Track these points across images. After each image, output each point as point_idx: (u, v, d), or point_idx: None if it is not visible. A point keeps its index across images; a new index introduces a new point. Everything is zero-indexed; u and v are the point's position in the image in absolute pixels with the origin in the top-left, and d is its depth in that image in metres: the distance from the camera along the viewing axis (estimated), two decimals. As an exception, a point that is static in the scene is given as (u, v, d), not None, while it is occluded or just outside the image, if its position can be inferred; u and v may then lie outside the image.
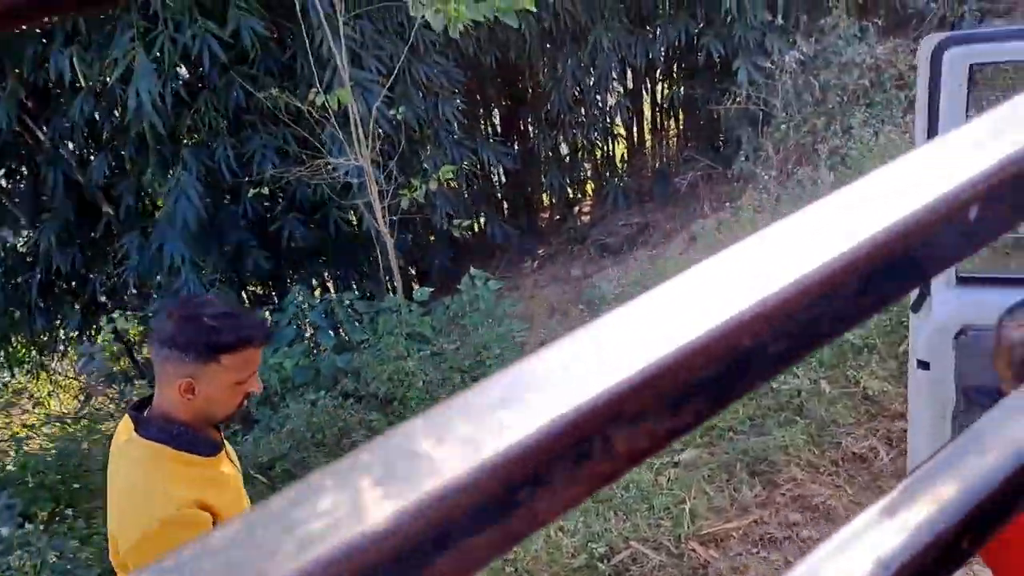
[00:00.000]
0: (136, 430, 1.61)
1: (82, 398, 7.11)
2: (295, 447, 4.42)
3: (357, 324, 5.69)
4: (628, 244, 7.48)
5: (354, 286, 7.38)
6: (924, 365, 2.06)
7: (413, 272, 7.63)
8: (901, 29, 6.61)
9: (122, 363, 8.09)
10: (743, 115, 5.83)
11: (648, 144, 8.19)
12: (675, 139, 8.02)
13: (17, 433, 6.43)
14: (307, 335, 5.60)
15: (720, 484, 3.33)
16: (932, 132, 1.91)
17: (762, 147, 5.55)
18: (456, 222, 5.62)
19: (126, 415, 1.66)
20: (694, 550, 3.07)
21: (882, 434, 3.35)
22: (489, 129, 7.88)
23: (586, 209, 8.61)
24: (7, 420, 8.06)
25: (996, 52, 1.85)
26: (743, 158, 5.69)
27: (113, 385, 7.38)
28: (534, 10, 4.14)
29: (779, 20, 5.81)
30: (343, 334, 5.65)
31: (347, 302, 5.82)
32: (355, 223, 6.15)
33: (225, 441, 1.77)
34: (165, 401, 1.60)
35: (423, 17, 4.06)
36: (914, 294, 2.04)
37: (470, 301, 5.41)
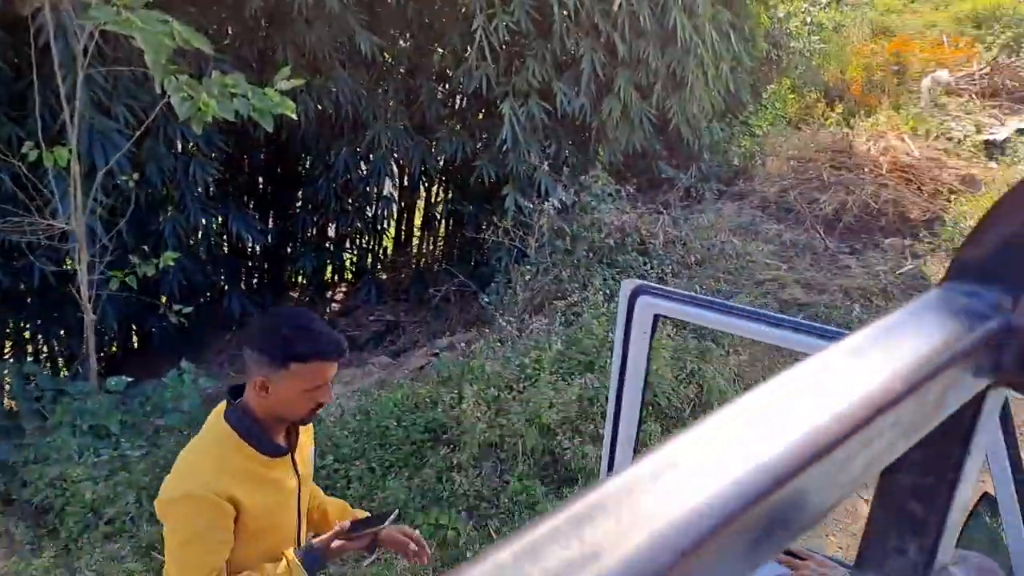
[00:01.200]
0: (225, 410, 1.81)
1: None
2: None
3: (36, 402, 4.92)
4: (375, 341, 7.28)
5: (52, 350, 6.49)
6: None
7: (123, 345, 6.83)
8: (653, 191, 7.18)
9: None
10: (502, 246, 5.93)
11: (413, 246, 8.14)
12: (439, 248, 8.04)
13: None
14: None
15: (391, 664, 3.13)
16: (623, 365, 1.97)
17: (513, 283, 5.65)
18: (176, 307, 5.10)
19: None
20: None
21: None
22: (246, 201, 7.42)
23: (339, 297, 8.34)
24: None
25: (678, 311, 1.94)
26: (495, 290, 5.76)
27: None
28: (295, 117, 3.91)
29: (546, 166, 6.04)
30: (14, 413, 4.85)
31: (27, 373, 5.03)
32: (66, 276, 5.41)
33: (300, 453, 1.91)
34: (247, 395, 1.78)
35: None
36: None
37: (173, 398, 4.88)
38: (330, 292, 8.40)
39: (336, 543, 1.86)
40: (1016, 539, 1.59)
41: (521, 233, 5.93)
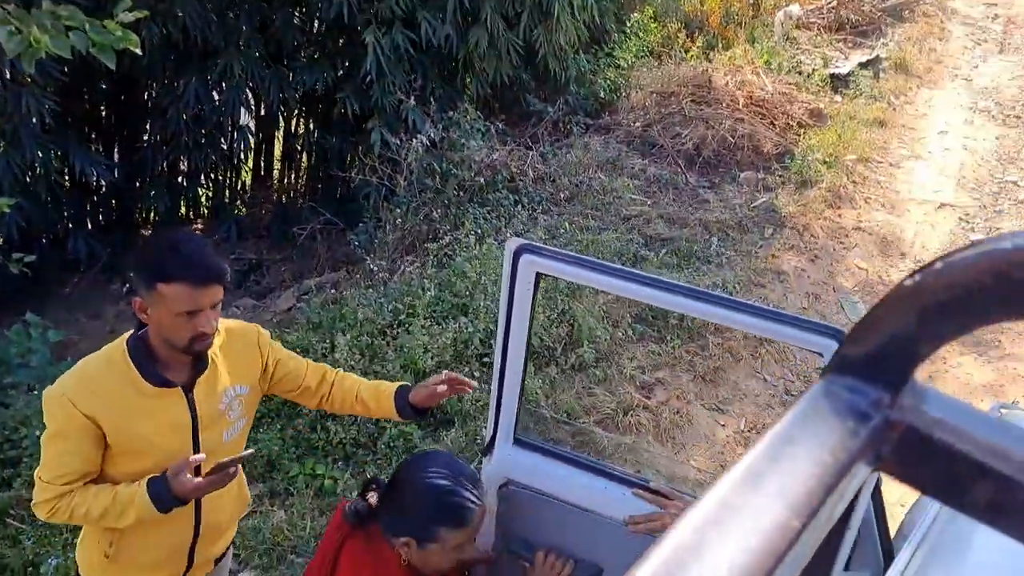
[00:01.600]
0: (131, 333, 1.89)
1: None
2: None
3: None
4: (237, 281, 6.99)
5: None
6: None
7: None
8: (521, 125, 7.16)
9: None
10: (370, 183, 5.78)
11: (274, 181, 7.79)
12: (302, 184, 7.74)
13: None
14: None
15: (272, 618, 3.13)
16: (508, 320, 2.02)
17: (383, 222, 5.54)
18: (16, 256, 4.67)
19: None
20: None
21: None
22: (89, 134, 6.84)
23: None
24: None
25: (558, 270, 1.99)
26: (363, 230, 5.63)
27: None
28: (139, 52, 3.59)
29: (412, 99, 5.88)
30: None
31: None
32: None
33: (206, 388, 1.92)
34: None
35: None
36: (488, 437, 2.17)
37: (20, 353, 4.53)
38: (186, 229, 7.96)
39: (193, 482, 1.81)
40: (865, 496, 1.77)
41: (389, 170, 5.80)
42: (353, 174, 5.89)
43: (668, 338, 4.65)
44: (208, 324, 1.82)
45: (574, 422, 4.03)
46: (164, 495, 1.80)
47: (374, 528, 1.80)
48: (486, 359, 4.31)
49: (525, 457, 2.16)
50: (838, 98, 8.39)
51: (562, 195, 6.00)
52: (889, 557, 1.82)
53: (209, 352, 1.95)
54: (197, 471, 1.86)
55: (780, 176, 6.74)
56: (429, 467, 1.78)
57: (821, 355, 1.71)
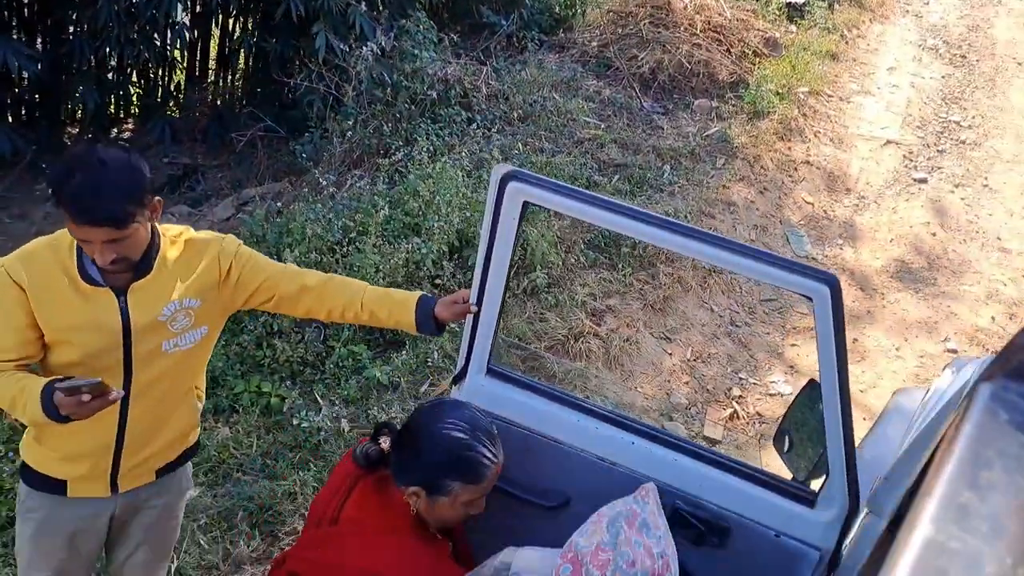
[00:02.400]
0: None
1: None
2: None
3: None
4: (171, 186, 6.68)
5: None
6: None
7: None
8: (474, 38, 6.91)
9: None
10: (315, 91, 5.52)
11: (209, 83, 7.39)
12: (240, 87, 7.36)
13: None
14: None
15: (216, 535, 3.10)
16: (490, 248, 2.00)
17: (329, 132, 5.32)
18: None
19: None
20: (175, 618, 2.81)
21: (388, 482, 3.44)
22: (10, 22, 6.32)
23: (126, 136, 7.48)
24: None
25: (547, 199, 1.96)
26: (308, 139, 5.41)
27: None
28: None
29: (362, 5, 5.57)
30: None
31: None
32: None
33: (144, 296, 1.87)
34: None
35: None
36: (460, 366, 2.14)
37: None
38: (116, 129, 7.51)
39: (64, 401, 1.70)
40: (832, 421, 1.81)
41: (336, 79, 5.53)
42: (298, 80, 5.60)
43: (620, 266, 4.65)
44: (100, 257, 1.74)
45: (525, 346, 4.04)
46: (48, 403, 1.72)
47: (384, 473, 1.77)
48: (438, 281, 4.25)
49: (497, 388, 2.14)
50: (793, 28, 8.33)
51: (516, 114, 5.85)
52: None
53: (159, 257, 1.88)
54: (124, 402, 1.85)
55: (733, 105, 6.71)
56: (447, 417, 1.73)
57: (811, 299, 1.71)
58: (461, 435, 1.69)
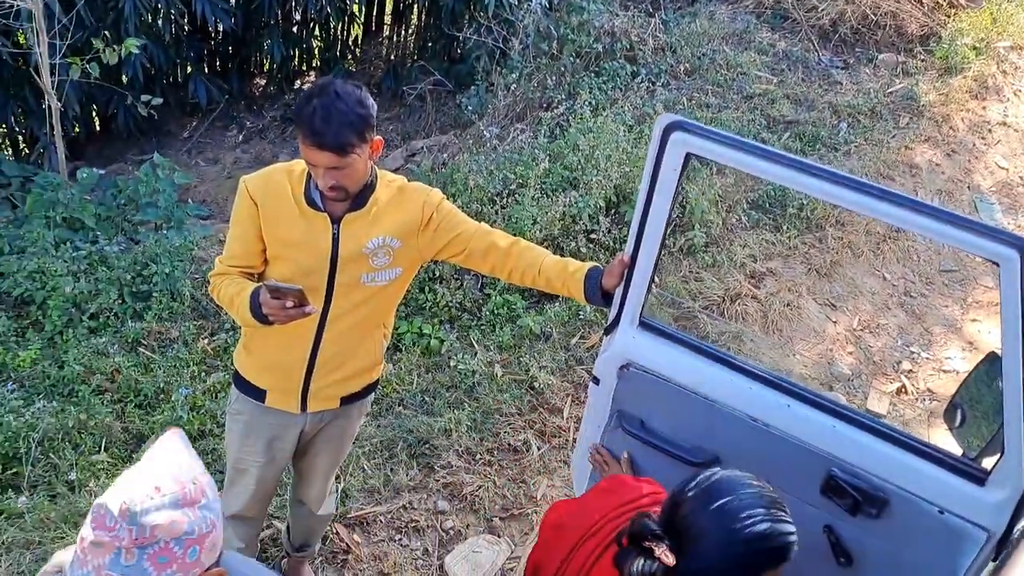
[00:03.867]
0: None
1: None
2: None
3: (1, 191, 4.75)
4: (347, 136, 7.05)
5: (11, 129, 6.16)
6: (596, 380, 2.27)
7: (85, 130, 6.49)
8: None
9: None
10: (483, 45, 5.61)
11: (384, 36, 7.66)
12: (412, 41, 7.58)
13: None
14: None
15: (379, 462, 3.33)
16: (648, 200, 1.97)
17: (494, 86, 5.41)
18: (145, 98, 4.82)
19: None
20: (338, 533, 3.05)
21: (538, 428, 3.55)
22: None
23: (308, 87, 7.93)
24: None
25: (712, 151, 1.90)
26: (474, 93, 5.52)
27: None
28: None
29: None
30: (-21, 203, 4.69)
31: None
32: (22, 52, 5.02)
33: (357, 228, 2.01)
34: None
35: None
36: (612, 317, 2.15)
37: (148, 193, 4.74)
38: (299, 81, 7.99)
39: (269, 302, 1.89)
40: (1012, 397, 1.68)
41: (504, 33, 5.60)
42: (467, 34, 5.71)
43: (784, 227, 4.47)
44: (322, 181, 1.89)
45: (681, 301, 3.99)
46: (256, 303, 1.93)
47: None
48: (593, 236, 4.27)
49: (649, 341, 2.13)
50: (998, -25, 7.52)
51: (682, 68, 5.70)
52: None
53: (373, 197, 2.02)
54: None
55: (923, 60, 6.20)
56: (740, 512, 1.39)
57: (997, 264, 1.58)
58: (762, 526, 1.39)
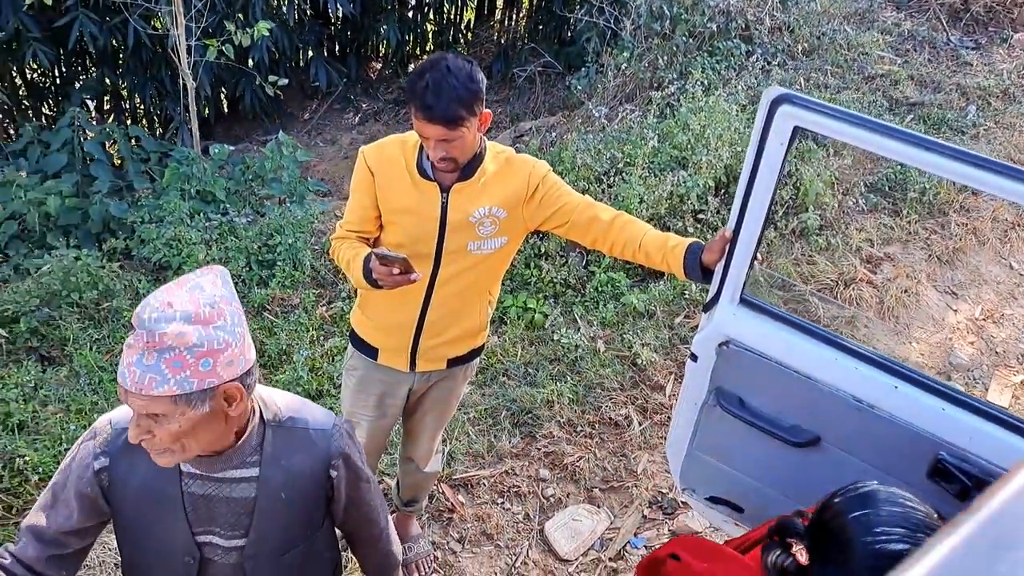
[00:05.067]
0: None
1: None
2: (46, 302, 4.00)
3: (142, 165, 5.13)
4: (457, 118, 7.20)
5: (148, 109, 6.62)
6: (694, 357, 2.27)
7: (214, 110, 6.88)
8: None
9: None
10: (594, 26, 5.62)
11: (496, 19, 7.76)
12: (523, 23, 7.65)
13: None
14: (80, 167, 4.97)
15: (483, 428, 3.44)
16: (753, 174, 1.96)
17: (604, 67, 5.42)
18: (272, 79, 5.09)
19: None
20: (444, 493, 3.18)
21: (639, 403, 3.57)
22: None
23: (421, 62, 8.12)
24: None
25: (820, 124, 1.86)
26: (584, 74, 5.54)
27: None
28: None
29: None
30: (123, 173, 5.08)
31: (132, 136, 5.20)
32: (160, 38, 5.38)
33: (463, 198, 2.09)
34: None
35: None
36: (712, 293, 2.14)
37: (273, 169, 5.01)
38: (411, 64, 8.21)
39: (377, 267, 1.99)
40: None
41: (615, 13, 5.59)
42: (578, 15, 5.73)
43: (904, 212, 4.30)
44: (433, 152, 1.96)
45: (790, 286, 3.92)
46: (367, 267, 2.04)
47: None
48: (700, 216, 4.24)
49: (750, 318, 2.11)
50: None
51: (800, 48, 5.54)
52: None
53: (481, 168, 2.09)
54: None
55: (1065, 39, 5.80)
56: (875, 527, 1.37)
57: None
58: (898, 546, 1.34)
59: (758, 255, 2.07)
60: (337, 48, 7.79)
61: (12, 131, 6.11)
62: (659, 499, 3.24)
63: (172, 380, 1.20)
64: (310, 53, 7.15)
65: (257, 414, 1.42)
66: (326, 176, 6.27)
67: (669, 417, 3.51)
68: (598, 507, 3.18)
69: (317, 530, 1.55)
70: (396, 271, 1.95)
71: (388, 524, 1.70)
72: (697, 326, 3.88)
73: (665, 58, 5.19)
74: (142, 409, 1.23)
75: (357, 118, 7.48)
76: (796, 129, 1.88)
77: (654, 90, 5.03)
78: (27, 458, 2.94)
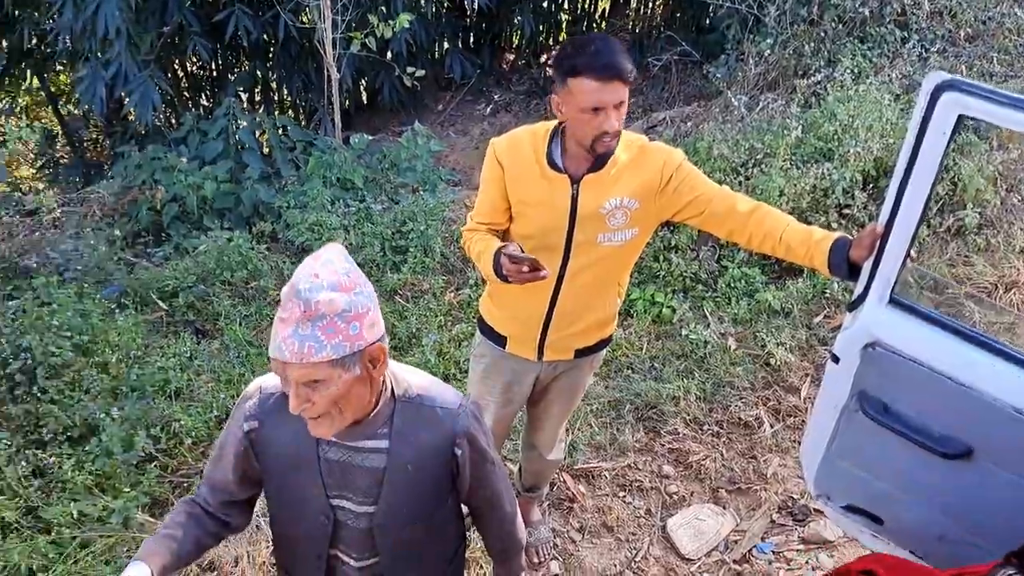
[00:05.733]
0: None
1: None
2: (202, 279, 4.29)
3: (288, 153, 5.40)
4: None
5: (294, 100, 6.96)
6: (835, 359, 2.17)
7: (354, 101, 7.15)
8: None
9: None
10: (735, 13, 5.44)
11: (632, 9, 7.65)
12: (659, 12, 7.51)
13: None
14: (234, 154, 5.29)
15: (605, 421, 3.41)
16: (910, 165, 1.84)
17: (745, 55, 5.23)
18: (411, 71, 5.23)
19: None
20: (565, 482, 3.18)
21: (772, 405, 3.44)
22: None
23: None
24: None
25: (991, 113, 1.72)
26: (723, 62, 5.38)
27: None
28: None
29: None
30: (271, 161, 5.37)
31: (280, 126, 5.48)
32: (307, 31, 5.65)
33: (593, 189, 2.04)
34: None
35: None
36: (858, 292, 2.03)
37: (409, 158, 5.16)
38: (544, 55, 8.23)
39: (505, 264, 1.96)
40: None
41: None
42: (719, 2, 5.55)
43: (1079, 211, 3.93)
44: (609, 123, 1.90)
45: (944, 288, 3.66)
46: (497, 262, 2.02)
47: None
48: (846, 211, 4.02)
49: (900, 319, 1.97)
50: None
51: (962, 33, 5.14)
52: None
53: (612, 158, 2.04)
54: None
55: None
56: None
57: None
58: None
59: (911, 253, 1.93)
60: (472, 39, 7.91)
61: (174, 120, 6.59)
62: (789, 504, 3.11)
63: (328, 345, 1.28)
64: (446, 45, 7.31)
65: (389, 388, 1.48)
66: (457, 166, 6.39)
67: (803, 420, 3.36)
68: (723, 508, 3.09)
69: (442, 505, 1.59)
70: (525, 269, 1.94)
71: (514, 507, 1.72)
72: (838, 327, 3.70)
73: (812, 45, 4.95)
74: (302, 378, 1.31)
75: (488, 109, 7.58)
76: (960, 118, 1.75)
77: (799, 78, 4.81)
78: (182, 422, 3.16)
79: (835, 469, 2.27)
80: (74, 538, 2.74)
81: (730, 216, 2.09)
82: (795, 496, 3.13)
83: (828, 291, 3.78)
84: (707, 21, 6.71)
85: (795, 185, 3.97)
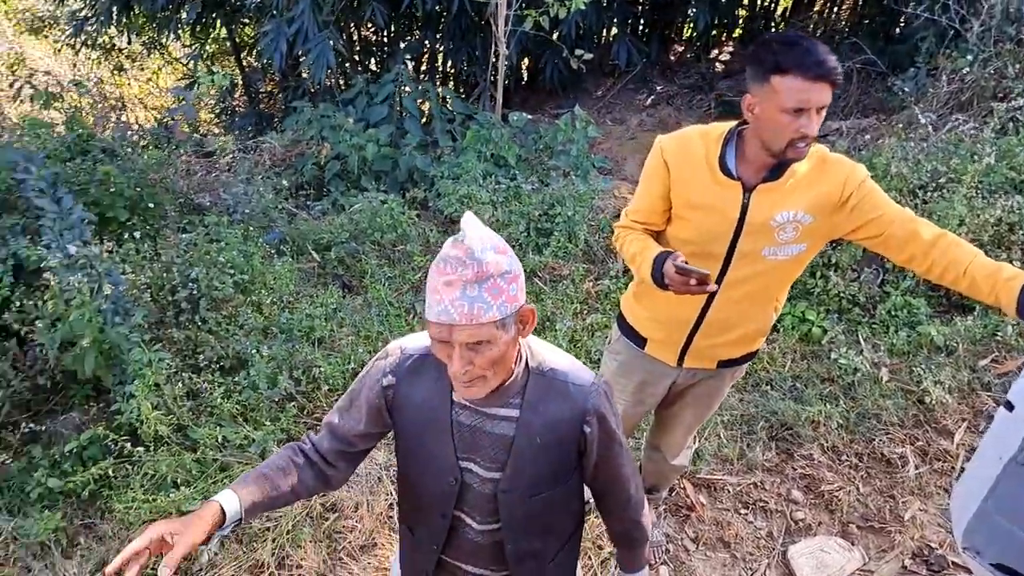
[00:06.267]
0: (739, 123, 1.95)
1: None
2: (353, 236, 4.46)
3: (447, 124, 5.50)
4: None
5: (458, 73, 7.08)
6: (1009, 406, 1.99)
7: (515, 79, 7.19)
8: None
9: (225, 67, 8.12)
10: (932, 24, 5.06)
11: (816, 9, 7.29)
12: (846, 16, 7.11)
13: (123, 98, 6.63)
14: (396, 119, 5.45)
15: (735, 434, 3.29)
16: None
17: (938, 70, 4.87)
18: (579, 53, 5.20)
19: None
20: (685, 489, 3.09)
21: (920, 445, 3.20)
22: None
23: (724, 57, 7.88)
24: (119, 83, 8.30)
25: None
26: (912, 75, 5.03)
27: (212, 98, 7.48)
28: None
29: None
30: (430, 130, 5.49)
31: (442, 96, 5.59)
32: (480, 6, 5.73)
33: (770, 198, 1.91)
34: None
35: None
36: None
37: (564, 142, 5.14)
38: (715, 51, 7.99)
39: (670, 271, 1.88)
40: None
41: (962, 11, 4.97)
42: (916, 10, 5.18)
43: None
44: (810, 126, 1.77)
45: None
46: (658, 269, 1.93)
47: None
48: (1033, 250, 3.68)
49: None
50: None
51: None
52: None
53: (791, 169, 1.92)
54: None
55: None
56: None
57: None
58: None
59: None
60: (641, 27, 7.78)
61: (342, 82, 6.87)
62: (925, 552, 2.90)
63: (495, 306, 1.31)
64: (614, 30, 7.22)
65: (524, 359, 1.49)
66: (610, 154, 6.32)
67: (953, 466, 3.12)
68: (852, 544, 2.91)
69: (567, 480, 1.58)
70: (692, 282, 1.86)
71: (640, 495, 1.68)
72: (1007, 372, 3.40)
73: (1017, 66, 4.54)
74: (469, 338, 1.32)
75: (649, 100, 7.43)
76: None
77: (997, 101, 4.42)
78: (322, 369, 3.30)
79: (990, 523, 2.09)
80: (215, 460, 2.93)
81: (912, 241, 1.93)
82: (933, 545, 2.91)
83: (1000, 333, 3.47)
84: (897, 30, 6.30)
85: (978, 216, 3.66)
